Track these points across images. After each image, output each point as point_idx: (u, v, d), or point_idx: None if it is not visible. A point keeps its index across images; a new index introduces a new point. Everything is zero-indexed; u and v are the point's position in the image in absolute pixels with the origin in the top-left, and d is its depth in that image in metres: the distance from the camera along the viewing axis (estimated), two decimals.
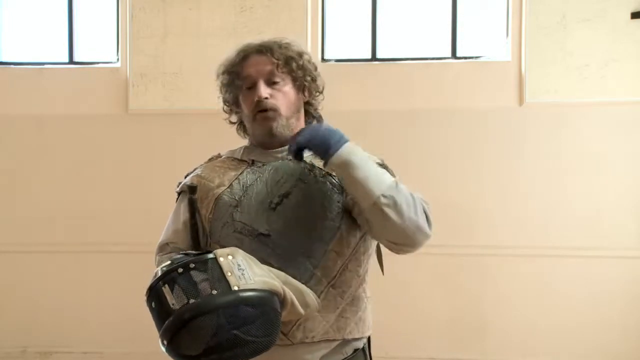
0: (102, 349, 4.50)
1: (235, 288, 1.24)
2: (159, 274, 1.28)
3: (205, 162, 1.67)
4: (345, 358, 1.53)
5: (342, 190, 1.49)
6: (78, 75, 4.68)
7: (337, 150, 1.38)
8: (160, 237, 1.63)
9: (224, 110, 1.69)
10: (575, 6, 4.30)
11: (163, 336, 1.24)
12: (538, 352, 4.29)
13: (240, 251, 1.33)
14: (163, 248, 1.60)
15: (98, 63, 4.72)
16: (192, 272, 1.25)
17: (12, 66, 4.76)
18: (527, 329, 4.30)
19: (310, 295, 1.39)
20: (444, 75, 4.48)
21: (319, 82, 1.64)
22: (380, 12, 4.66)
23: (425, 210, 1.42)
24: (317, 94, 1.65)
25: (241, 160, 1.61)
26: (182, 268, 1.25)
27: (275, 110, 1.54)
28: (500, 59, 4.50)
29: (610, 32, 4.27)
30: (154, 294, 1.26)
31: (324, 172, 1.51)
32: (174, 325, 1.22)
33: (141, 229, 3.76)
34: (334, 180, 1.50)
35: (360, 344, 1.56)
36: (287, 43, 1.59)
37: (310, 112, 1.66)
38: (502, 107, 4.40)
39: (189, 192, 1.55)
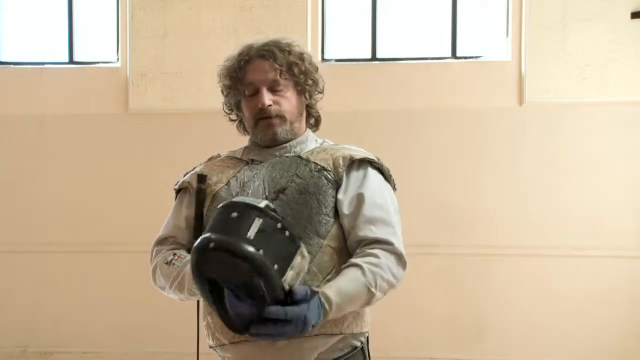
0: (101, 349, 4.49)
1: (286, 283, 1.25)
2: (264, 205, 1.27)
3: (205, 162, 1.69)
4: (343, 355, 1.52)
5: (336, 186, 1.51)
6: (78, 75, 4.68)
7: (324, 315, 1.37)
8: (159, 232, 1.64)
9: (225, 111, 1.70)
10: (575, 6, 4.29)
11: (212, 241, 1.23)
12: (538, 352, 4.28)
13: (310, 265, 1.36)
14: (162, 242, 1.62)
15: (98, 63, 4.72)
16: (281, 237, 1.26)
17: (12, 66, 4.76)
18: (527, 329, 4.29)
19: None
20: (444, 75, 4.47)
21: (319, 83, 1.65)
22: (380, 12, 4.66)
23: (395, 260, 1.47)
24: (318, 94, 1.66)
25: (240, 159, 1.63)
26: (281, 225, 1.26)
27: (281, 116, 1.57)
28: (500, 58, 4.50)
29: (610, 32, 4.26)
30: (246, 213, 1.25)
31: (319, 167, 1.53)
32: (226, 245, 1.22)
33: (141, 229, 3.75)
34: (329, 176, 1.52)
35: (358, 342, 1.55)
36: (287, 44, 1.59)
37: (311, 113, 1.68)
38: (502, 107, 4.40)
39: (198, 182, 1.56)
